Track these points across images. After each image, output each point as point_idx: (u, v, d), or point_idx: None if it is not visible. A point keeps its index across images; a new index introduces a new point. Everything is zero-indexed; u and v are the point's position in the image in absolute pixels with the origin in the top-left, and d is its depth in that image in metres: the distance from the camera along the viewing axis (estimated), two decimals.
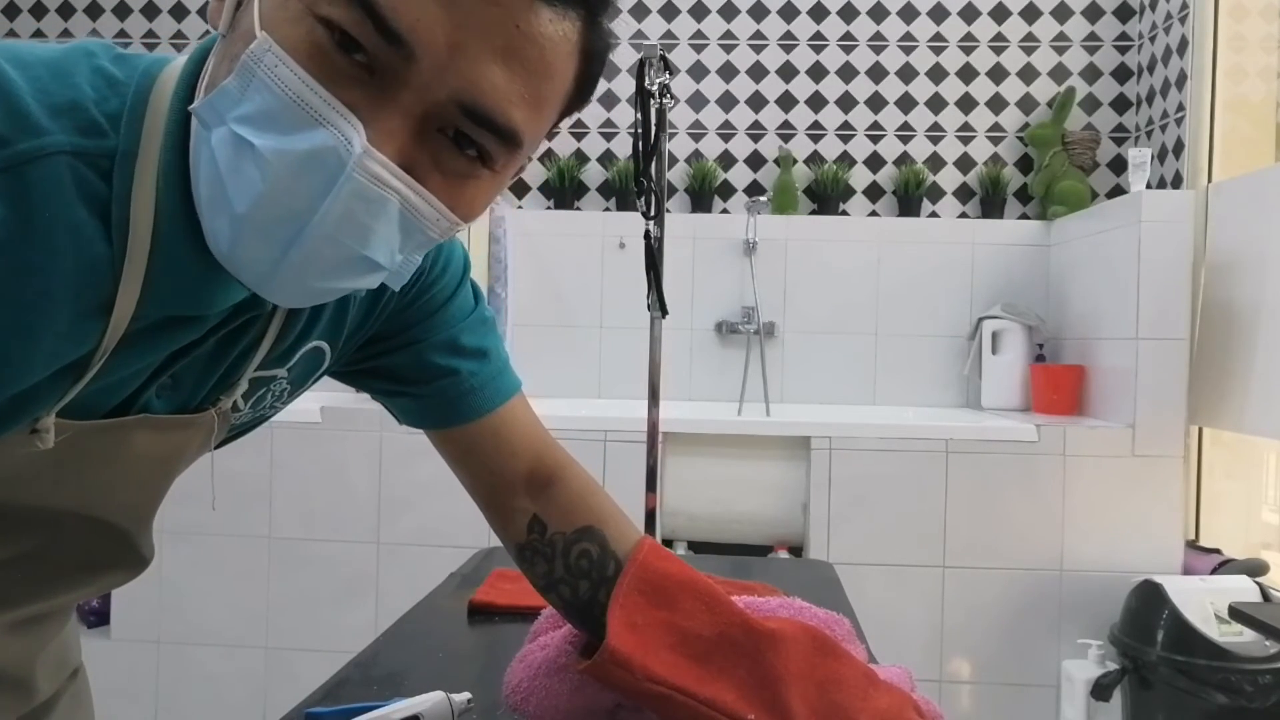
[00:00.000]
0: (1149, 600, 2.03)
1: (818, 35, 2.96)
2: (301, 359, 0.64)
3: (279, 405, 0.68)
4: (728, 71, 2.98)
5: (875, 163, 2.95)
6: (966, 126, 2.93)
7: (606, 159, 2.99)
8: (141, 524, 0.65)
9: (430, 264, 0.68)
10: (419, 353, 0.70)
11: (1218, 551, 2.27)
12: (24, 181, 0.43)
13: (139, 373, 0.54)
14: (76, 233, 0.45)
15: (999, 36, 2.92)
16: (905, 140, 2.94)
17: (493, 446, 0.73)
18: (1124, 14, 2.88)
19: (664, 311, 1.74)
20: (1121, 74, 2.89)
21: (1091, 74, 2.90)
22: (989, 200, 2.87)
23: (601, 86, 2.98)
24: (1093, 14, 2.89)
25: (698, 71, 2.98)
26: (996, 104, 2.93)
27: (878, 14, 2.95)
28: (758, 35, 2.97)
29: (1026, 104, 2.92)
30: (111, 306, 0.48)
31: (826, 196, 2.89)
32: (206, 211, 0.46)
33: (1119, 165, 2.86)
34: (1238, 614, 1.66)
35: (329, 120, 0.44)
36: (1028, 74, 2.92)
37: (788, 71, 2.97)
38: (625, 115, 2.99)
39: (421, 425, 0.74)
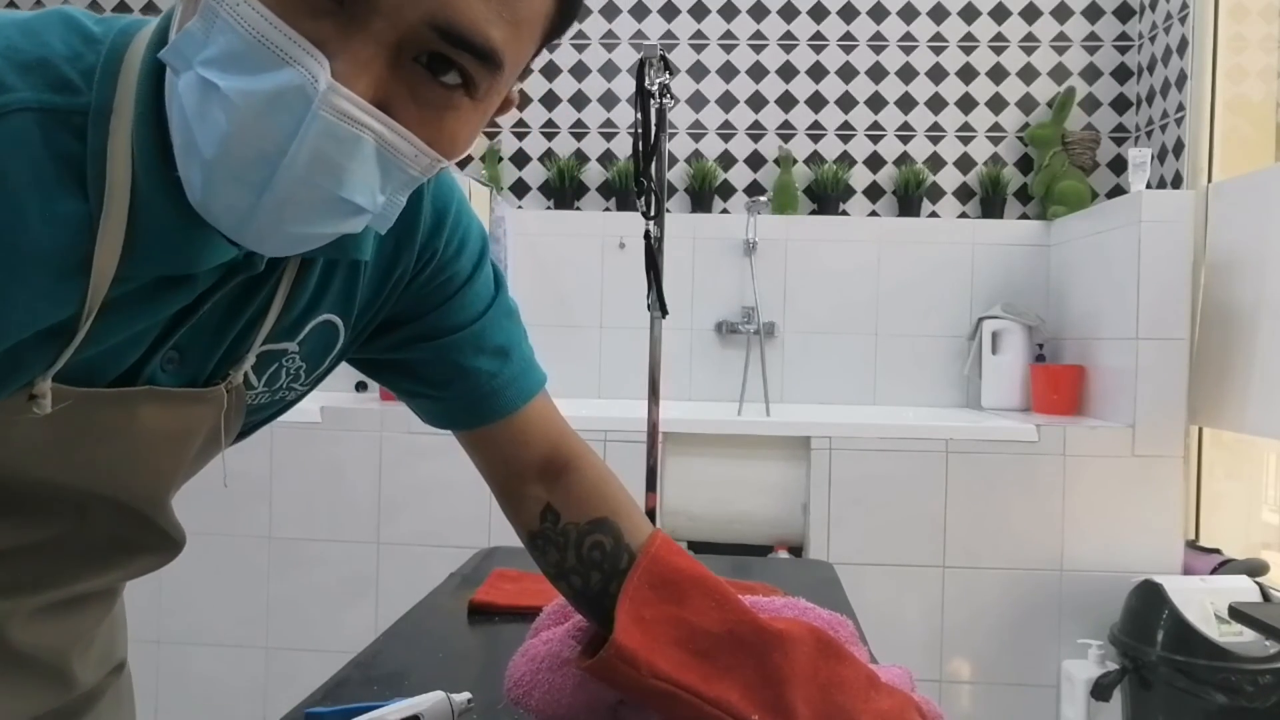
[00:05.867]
0: (1149, 600, 2.03)
1: (818, 35, 2.96)
2: (312, 332, 0.63)
3: (296, 387, 0.67)
4: (728, 71, 2.98)
5: (875, 163, 2.95)
6: (966, 126, 2.93)
7: (606, 159, 2.99)
8: (158, 506, 0.64)
9: (445, 242, 0.67)
10: (442, 350, 0.69)
11: (1218, 551, 2.27)
12: None
13: (138, 339, 0.53)
14: (45, 189, 0.45)
15: (999, 36, 2.92)
16: (905, 140, 2.94)
17: (508, 439, 0.73)
18: (1124, 14, 2.88)
19: (664, 311, 1.74)
20: (1121, 74, 2.89)
21: (1091, 74, 2.90)
22: (989, 200, 2.87)
23: (601, 86, 2.98)
24: (1093, 14, 2.89)
25: (698, 71, 2.98)
26: (996, 104, 2.93)
27: (878, 14, 2.95)
28: (758, 35, 2.97)
29: (1026, 104, 2.92)
30: (91, 265, 0.47)
31: (826, 196, 2.89)
32: (180, 160, 0.45)
33: (1119, 165, 2.86)
34: (1238, 614, 1.66)
35: (294, 58, 0.42)
36: (1028, 74, 2.92)
37: (788, 71, 2.97)
38: (625, 115, 2.99)
39: (443, 426, 0.74)
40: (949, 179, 2.94)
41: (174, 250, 0.50)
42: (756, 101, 2.97)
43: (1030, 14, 2.91)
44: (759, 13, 2.97)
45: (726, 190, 2.97)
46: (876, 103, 2.95)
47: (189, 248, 0.50)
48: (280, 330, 0.61)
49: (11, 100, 0.43)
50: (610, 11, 2.98)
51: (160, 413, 0.56)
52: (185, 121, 0.43)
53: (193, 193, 0.45)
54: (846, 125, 2.95)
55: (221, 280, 0.54)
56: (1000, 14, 2.92)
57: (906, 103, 2.94)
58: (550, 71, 3.00)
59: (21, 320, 0.46)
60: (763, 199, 2.78)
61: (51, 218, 0.45)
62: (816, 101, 2.96)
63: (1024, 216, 2.91)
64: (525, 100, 2.99)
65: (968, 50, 2.93)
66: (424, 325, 0.68)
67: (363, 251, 0.60)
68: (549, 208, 2.97)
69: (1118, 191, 2.84)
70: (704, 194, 2.90)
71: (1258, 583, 2.02)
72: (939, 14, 2.93)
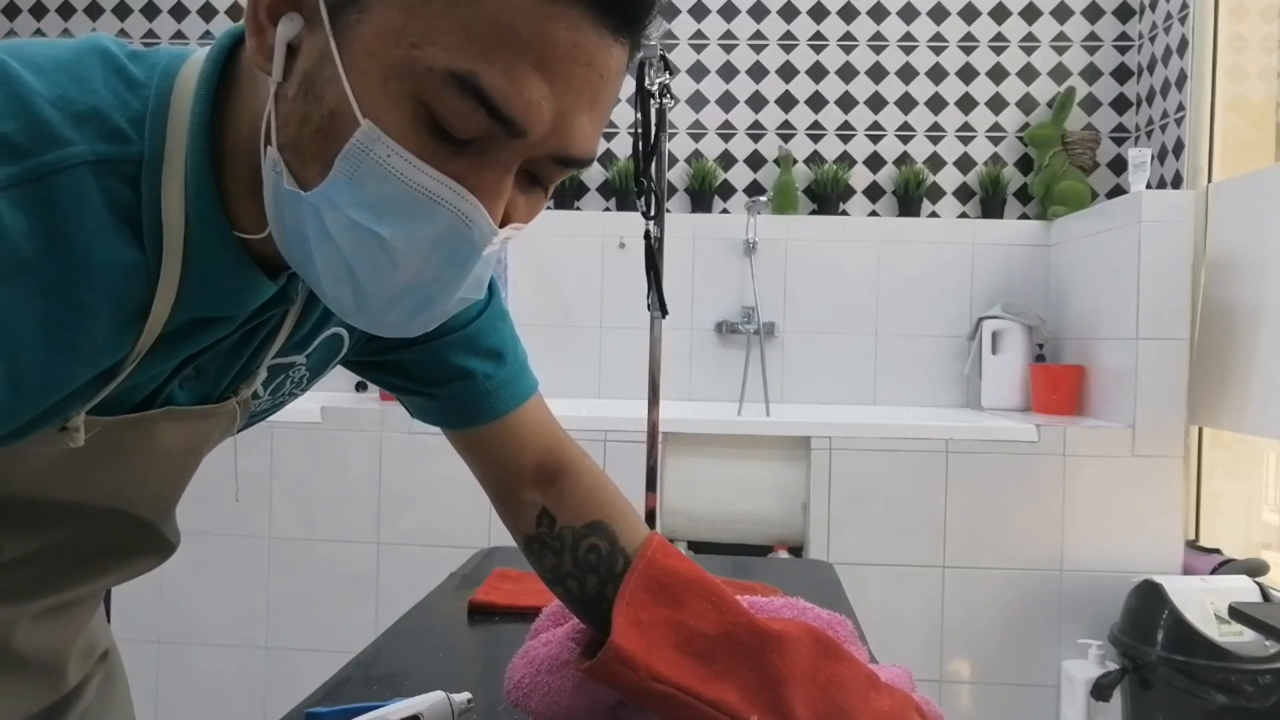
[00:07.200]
0: (1149, 600, 2.03)
1: (818, 35, 2.96)
2: (320, 345, 0.65)
3: (298, 392, 0.68)
4: (728, 71, 2.98)
5: (875, 163, 2.95)
6: (966, 126, 2.93)
7: (606, 159, 2.99)
8: (165, 513, 0.65)
9: None
10: (435, 350, 0.70)
11: (1218, 551, 2.26)
12: (50, 194, 0.43)
13: (167, 369, 0.54)
14: (106, 242, 0.45)
15: (999, 36, 2.92)
16: (905, 140, 2.94)
17: (503, 442, 0.73)
18: (1124, 14, 2.88)
19: (664, 311, 1.74)
20: (1121, 74, 2.89)
21: (1091, 74, 2.90)
22: (989, 200, 2.87)
23: None
24: (1093, 14, 2.89)
25: (698, 71, 2.98)
26: (996, 104, 2.92)
27: (878, 14, 2.95)
28: (758, 35, 2.97)
29: (1026, 104, 2.92)
30: (146, 312, 0.48)
31: (826, 196, 2.89)
32: (327, 282, 0.48)
33: (1119, 165, 2.86)
34: (1238, 614, 1.66)
35: (446, 200, 0.46)
36: (1028, 74, 2.92)
37: (788, 71, 2.97)
38: (625, 115, 2.99)
39: (435, 424, 0.74)
40: (949, 179, 2.94)
41: (225, 295, 0.52)
42: (756, 101, 2.97)
43: (1030, 14, 2.91)
44: (759, 13, 2.97)
45: (726, 190, 2.97)
46: (876, 103, 2.95)
47: (240, 292, 0.52)
48: (291, 345, 0.62)
49: (71, 155, 0.44)
50: None
51: (176, 430, 0.58)
52: (336, 252, 0.46)
53: (342, 308, 0.49)
54: (846, 125, 2.95)
55: (257, 311, 0.56)
56: (1000, 14, 2.92)
57: (906, 103, 2.94)
58: None
59: (84, 369, 0.47)
60: (763, 199, 2.77)
61: (112, 271, 0.46)
62: (816, 101, 2.96)
63: (1024, 216, 2.91)
64: None
65: (968, 50, 2.93)
66: None
67: None
68: (549, 208, 2.97)
69: (1118, 191, 2.84)
70: (704, 194, 2.90)
71: (1258, 583, 2.02)
72: (939, 14, 2.93)
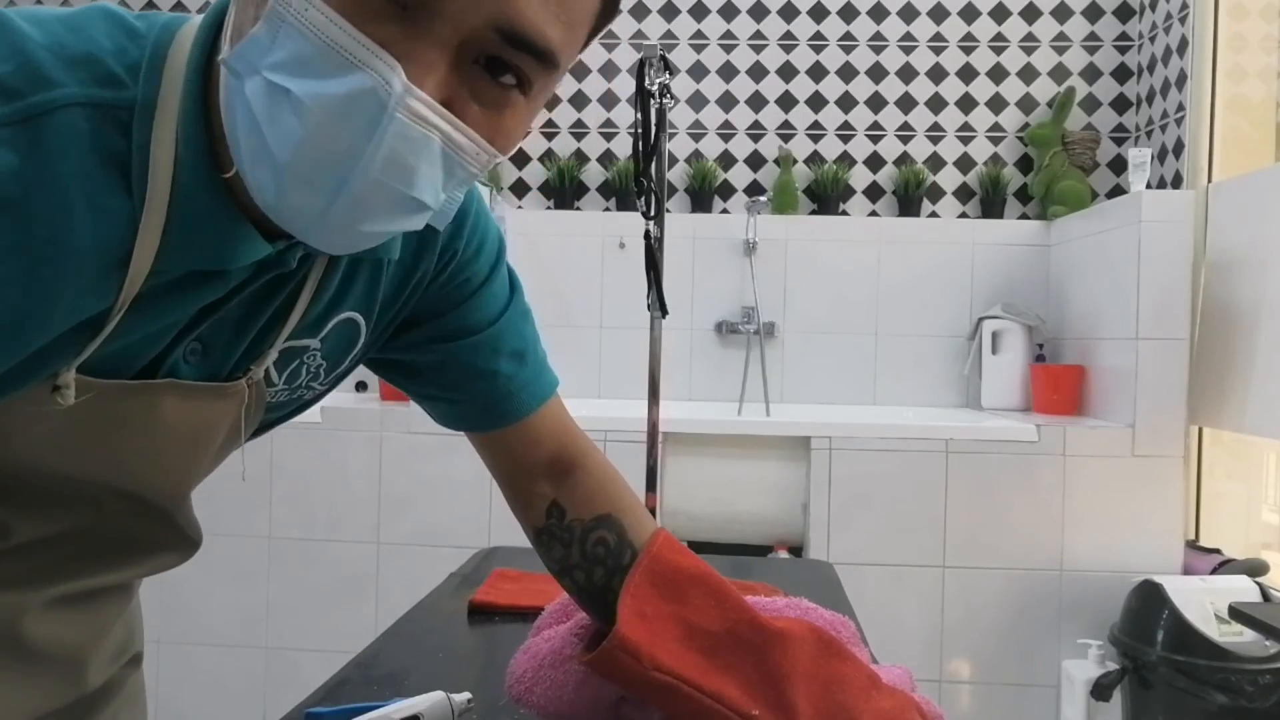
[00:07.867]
0: (1149, 600, 2.03)
1: (818, 35, 2.96)
2: (334, 330, 0.64)
3: (315, 386, 0.67)
4: (728, 71, 2.98)
5: (875, 163, 2.95)
6: (966, 126, 2.93)
7: (606, 159, 2.99)
8: (178, 503, 0.64)
9: (465, 243, 0.67)
10: (458, 353, 0.70)
11: (1218, 551, 2.27)
12: (37, 134, 0.43)
13: (164, 331, 0.53)
14: (93, 184, 0.45)
15: (999, 36, 2.92)
16: (905, 140, 2.94)
17: (520, 439, 0.74)
18: (1124, 14, 2.88)
19: (664, 311, 1.74)
20: (1121, 74, 2.89)
21: (1091, 74, 2.90)
22: (989, 200, 2.87)
23: (601, 86, 2.98)
24: (1093, 14, 2.89)
25: (698, 71, 2.98)
26: (996, 104, 2.93)
27: (878, 14, 2.95)
28: (758, 35, 2.97)
29: (1026, 104, 2.92)
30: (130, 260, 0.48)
31: (826, 196, 2.89)
32: (248, 164, 0.45)
33: (1119, 165, 2.86)
34: (1238, 614, 1.66)
35: (365, 61, 0.42)
36: (1028, 74, 2.92)
37: (788, 71, 2.97)
38: (625, 115, 2.99)
39: (459, 428, 0.74)
40: (949, 179, 2.94)
41: (210, 246, 0.50)
42: (756, 101, 2.97)
43: (1030, 14, 2.91)
44: (759, 13, 2.97)
45: (726, 190, 2.97)
46: (876, 103, 2.95)
47: (226, 244, 0.51)
48: (303, 327, 0.61)
49: (60, 96, 0.44)
50: None
51: (181, 406, 0.57)
52: (254, 126, 0.43)
53: (264, 196, 0.45)
54: (846, 125, 2.95)
55: (252, 276, 0.55)
56: (1000, 14, 2.92)
57: (906, 103, 2.94)
58: None
59: (65, 315, 0.47)
60: (763, 199, 2.77)
61: (98, 214, 0.46)
62: (816, 101, 2.96)
63: (1024, 216, 2.91)
64: (555, 99, 2.98)
65: (968, 50, 2.93)
66: (441, 326, 0.69)
67: (391, 251, 0.61)
68: (549, 208, 2.97)
69: (1118, 191, 2.84)
70: (704, 194, 2.90)
71: (1258, 583, 2.02)
72: (939, 14, 2.93)
